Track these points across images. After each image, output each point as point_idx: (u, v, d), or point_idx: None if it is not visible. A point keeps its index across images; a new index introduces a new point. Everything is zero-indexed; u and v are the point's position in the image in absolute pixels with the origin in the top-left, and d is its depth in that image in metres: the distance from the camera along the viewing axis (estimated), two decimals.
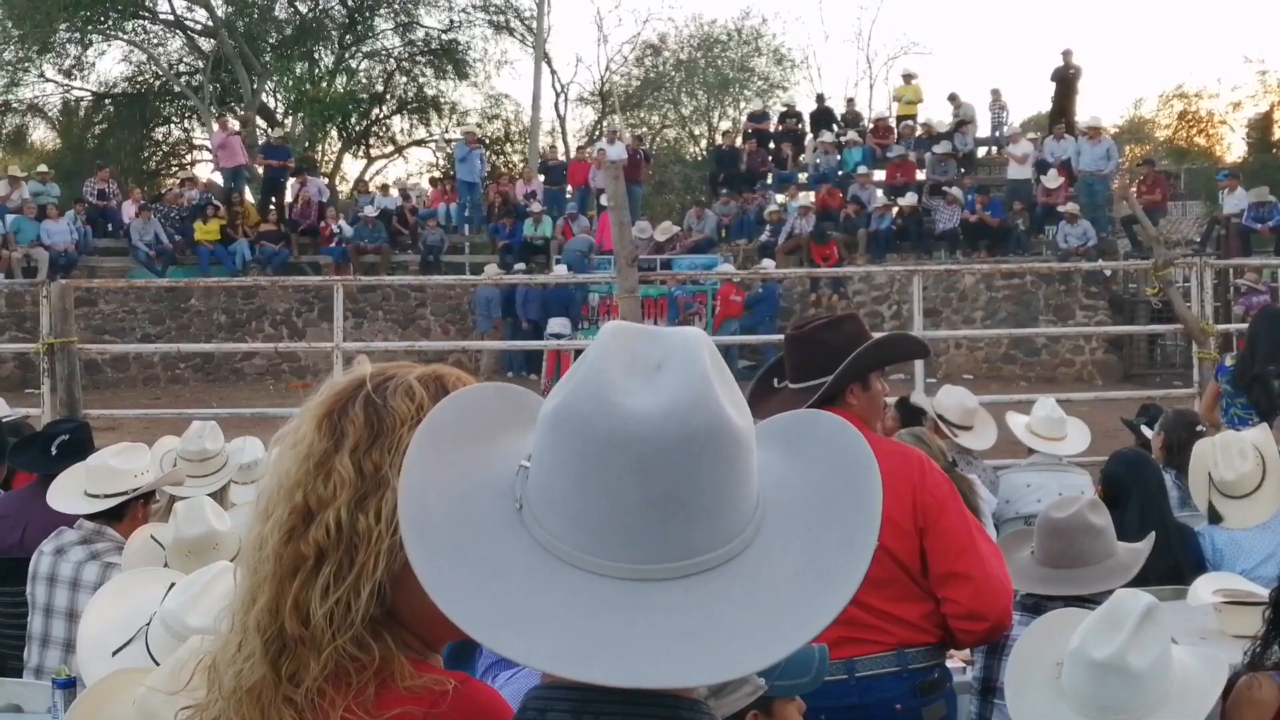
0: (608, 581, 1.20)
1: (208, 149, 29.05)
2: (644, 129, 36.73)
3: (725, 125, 35.39)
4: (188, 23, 32.42)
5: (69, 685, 3.22)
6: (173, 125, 35.27)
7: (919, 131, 23.90)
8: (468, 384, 1.50)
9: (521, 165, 29.85)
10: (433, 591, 1.21)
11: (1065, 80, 23.85)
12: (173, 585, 2.92)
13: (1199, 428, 6.31)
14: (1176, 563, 4.98)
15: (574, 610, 1.19)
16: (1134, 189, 20.18)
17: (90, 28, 30.87)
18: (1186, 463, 5.98)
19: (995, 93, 25.02)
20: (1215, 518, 5.29)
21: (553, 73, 35.95)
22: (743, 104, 35.94)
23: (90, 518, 4.60)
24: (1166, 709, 2.81)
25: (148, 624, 2.77)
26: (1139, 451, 5.78)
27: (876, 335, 3.82)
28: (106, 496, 4.65)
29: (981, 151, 24.55)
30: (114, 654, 2.76)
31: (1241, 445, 5.55)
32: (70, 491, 4.73)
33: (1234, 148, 36.77)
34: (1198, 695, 2.88)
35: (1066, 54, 24.00)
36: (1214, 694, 2.92)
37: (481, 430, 1.36)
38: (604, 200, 17.75)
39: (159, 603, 2.81)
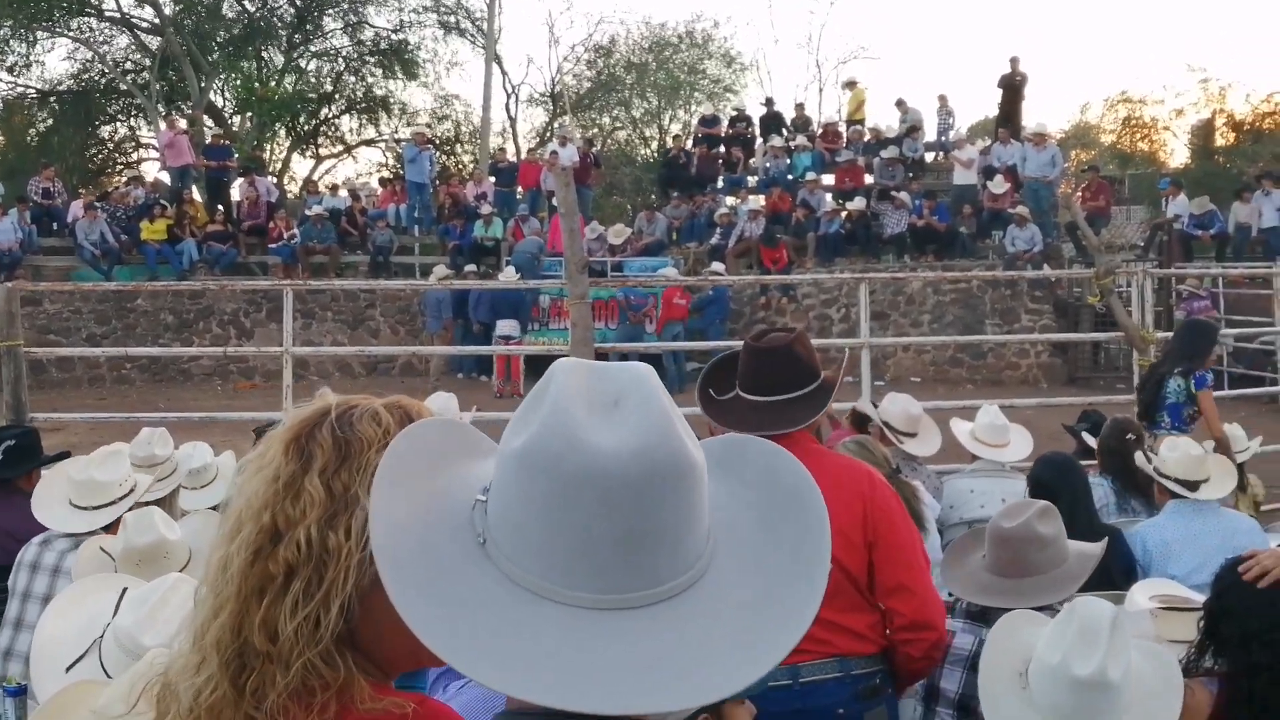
0: (578, 612, 1.24)
1: (154, 148, 28.77)
2: (595, 130, 36.77)
3: (676, 128, 35.51)
4: (135, 20, 32.12)
5: (19, 693, 3.22)
6: (119, 123, 34.96)
7: (867, 136, 24.10)
8: (430, 415, 1.52)
9: (472, 166, 29.80)
10: (415, 626, 1.24)
11: (1012, 86, 24.10)
12: (125, 591, 2.93)
13: (1129, 435, 6.45)
14: (1105, 565, 5.07)
15: (548, 641, 1.23)
16: (1078, 196, 20.46)
17: (35, 24, 30.53)
18: (1121, 469, 6.12)
19: (942, 98, 25.24)
20: (1193, 488, 5.42)
21: (504, 74, 36.01)
22: (694, 106, 36.08)
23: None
24: (1134, 712, 2.90)
25: (101, 636, 2.78)
26: (1065, 455, 5.87)
27: (831, 350, 3.87)
28: (95, 509, 4.65)
29: (929, 157, 24.77)
30: (68, 669, 2.77)
31: (1184, 439, 5.75)
32: (54, 503, 4.72)
33: (1177, 154, 37.29)
34: (1163, 695, 2.96)
35: (1013, 60, 24.29)
36: (1176, 693, 2.99)
37: (430, 465, 1.39)
38: (555, 203, 17.76)
39: (111, 612, 2.83)
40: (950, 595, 4.08)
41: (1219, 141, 33.86)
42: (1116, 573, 5.01)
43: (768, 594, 1.32)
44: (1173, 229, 20.16)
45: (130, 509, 4.48)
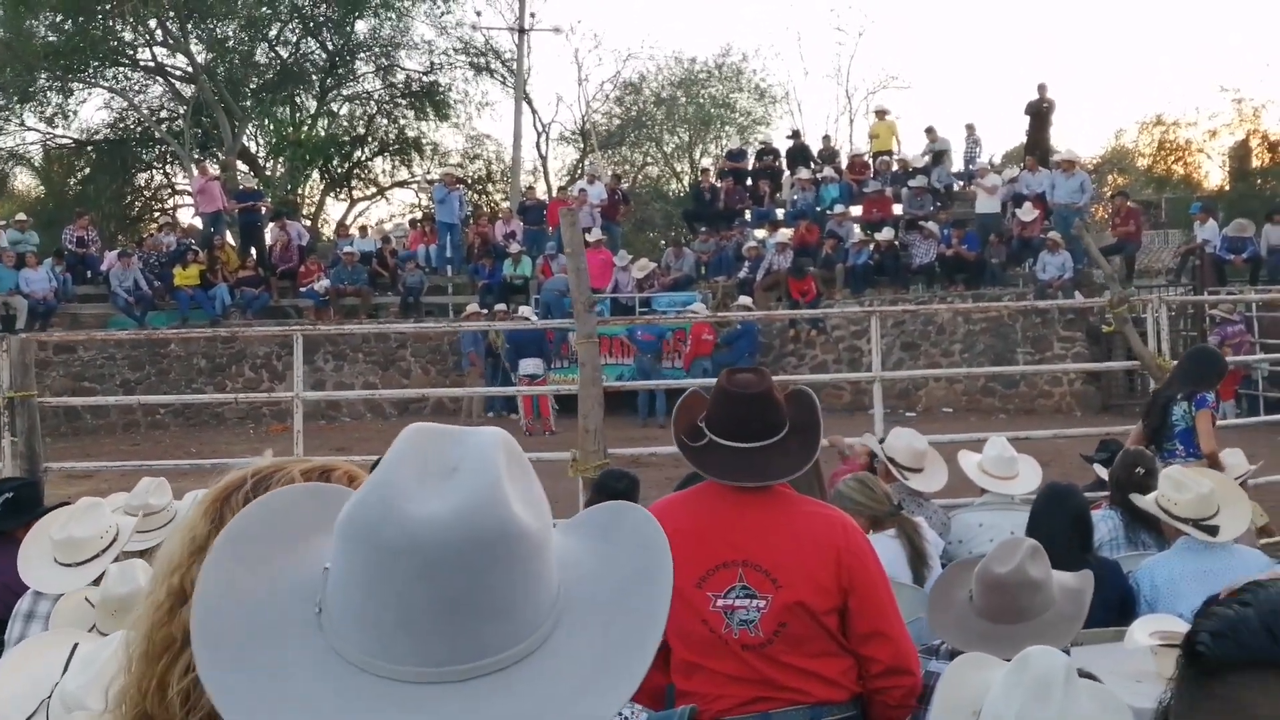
0: (395, 685, 1.20)
1: (189, 194, 29.13)
2: (626, 166, 36.91)
3: (707, 162, 35.58)
4: (168, 69, 32.56)
5: None
6: (154, 171, 35.40)
7: (895, 167, 24.06)
8: (357, 478, 1.51)
9: (503, 204, 29.99)
10: (216, 697, 1.21)
11: (1039, 113, 24.03)
12: (75, 646, 2.92)
13: (1138, 469, 6.34)
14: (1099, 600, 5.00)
15: (357, 714, 1.19)
16: (1108, 222, 20.30)
17: (71, 76, 31.01)
18: (1129, 505, 6.01)
19: (970, 127, 25.20)
20: (1213, 531, 5.30)
21: (533, 112, 36.21)
22: (724, 140, 36.14)
23: None
24: None
25: (48, 697, 2.77)
26: (1063, 486, 5.76)
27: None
28: (78, 565, 4.67)
29: (956, 185, 24.71)
30: None
31: (1190, 474, 5.62)
32: (39, 562, 4.75)
33: (1211, 175, 36.99)
34: None
35: (1041, 87, 24.22)
36: None
37: (295, 532, 1.36)
38: (568, 244, 17.79)
39: (60, 671, 2.82)
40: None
41: (1255, 162, 33.54)
42: (1110, 607, 4.93)
43: (601, 665, 1.27)
44: (1204, 254, 19.97)
45: (117, 558, 4.50)
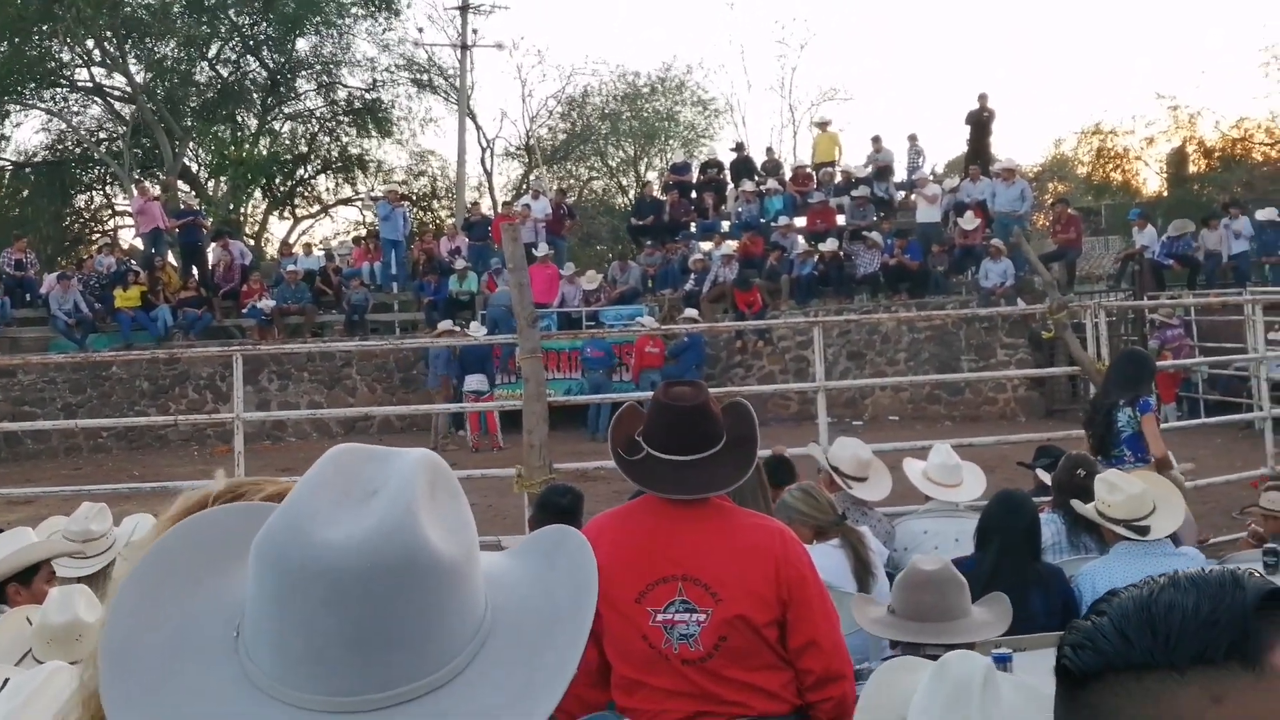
0: (302, 714, 1.17)
1: (129, 214, 28.85)
2: (571, 181, 36.92)
3: (652, 175, 35.66)
4: (107, 89, 32.27)
5: None
6: (94, 192, 35.04)
7: (838, 178, 24.21)
8: None
9: (449, 221, 29.91)
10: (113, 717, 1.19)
11: (980, 122, 24.24)
12: (6, 681, 2.88)
13: (1078, 471, 6.40)
14: (1044, 606, 5.04)
15: None
16: (1049, 229, 20.51)
17: (7, 97, 30.65)
18: (1072, 510, 6.08)
19: (912, 138, 25.40)
20: (1144, 531, 5.36)
21: (478, 128, 36.17)
22: (668, 153, 36.24)
23: None
24: None
25: None
26: (1016, 494, 5.81)
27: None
28: None
29: (899, 195, 24.89)
30: None
31: (1124, 477, 5.69)
32: None
33: (1149, 182, 37.45)
34: None
35: (982, 97, 24.44)
36: None
37: (228, 552, 1.32)
38: (511, 259, 17.74)
39: None
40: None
41: (1191, 169, 34.01)
42: (1054, 612, 4.97)
43: (515, 699, 1.24)
44: (1143, 259, 20.24)
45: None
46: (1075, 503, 5.85)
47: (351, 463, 1.28)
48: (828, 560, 5.06)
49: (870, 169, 24.09)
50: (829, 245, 21.20)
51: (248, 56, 33.57)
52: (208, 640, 1.25)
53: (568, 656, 1.29)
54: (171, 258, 23.37)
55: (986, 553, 4.67)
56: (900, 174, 24.89)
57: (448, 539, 1.24)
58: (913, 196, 23.30)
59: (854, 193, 23.01)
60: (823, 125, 27.19)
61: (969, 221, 20.87)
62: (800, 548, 3.59)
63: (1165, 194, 34.67)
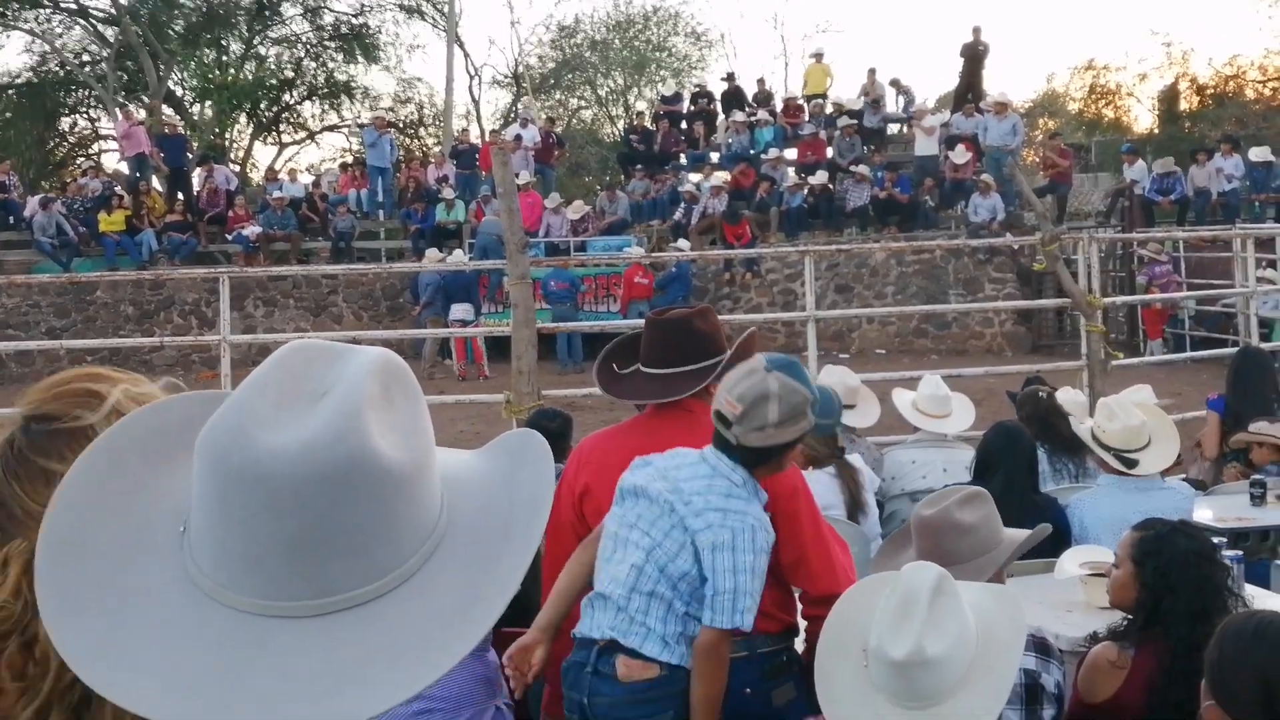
0: (240, 615, 1.14)
1: (114, 138, 28.57)
2: (560, 110, 36.64)
3: (642, 105, 35.40)
4: (90, 10, 31.85)
5: None
6: (78, 115, 34.68)
7: (829, 110, 24.04)
8: None
9: (436, 149, 29.67)
10: (46, 615, 1.14)
11: (974, 56, 24.08)
12: None
13: (1040, 394, 6.47)
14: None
15: (202, 646, 1.13)
16: (1040, 164, 20.45)
17: None
18: (1045, 432, 6.10)
19: (894, 82, 25.19)
20: (1131, 464, 5.36)
21: (465, 56, 35.86)
22: (659, 84, 35.95)
23: None
24: (977, 674, 2.83)
25: None
26: (1016, 425, 5.84)
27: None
28: None
29: (893, 129, 24.75)
30: None
31: (1124, 404, 5.68)
32: None
33: (1141, 119, 37.30)
34: (1003, 647, 2.89)
35: (976, 30, 24.26)
36: (1019, 638, 2.94)
37: (179, 444, 1.26)
38: (501, 184, 17.63)
39: None
40: None
41: (1183, 106, 33.88)
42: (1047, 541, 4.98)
43: (466, 603, 1.21)
44: (1133, 195, 20.19)
45: None
46: (1075, 422, 5.87)
47: (301, 362, 1.22)
48: (819, 486, 5.06)
49: (864, 100, 23.92)
50: (819, 178, 21.09)
51: None
52: (154, 537, 1.21)
53: (515, 567, 1.25)
54: (156, 182, 23.15)
55: (991, 484, 4.66)
56: (893, 108, 24.75)
57: (398, 444, 1.19)
58: (910, 128, 23.14)
59: (840, 123, 22.87)
60: (817, 56, 26.95)
61: (960, 155, 20.78)
62: (792, 465, 3.57)
63: (1156, 131, 34.55)
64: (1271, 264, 15.43)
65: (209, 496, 1.16)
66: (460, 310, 18.18)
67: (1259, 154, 19.84)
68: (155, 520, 1.22)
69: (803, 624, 3.54)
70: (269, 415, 1.16)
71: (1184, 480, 6.27)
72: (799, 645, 3.55)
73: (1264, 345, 11.07)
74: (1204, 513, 5.79)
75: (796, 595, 3.55)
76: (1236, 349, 9.28)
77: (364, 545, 1.17)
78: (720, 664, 3.18)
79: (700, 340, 3.66)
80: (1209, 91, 33.11)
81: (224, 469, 1.14)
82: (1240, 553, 4.53)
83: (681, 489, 3.24)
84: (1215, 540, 3.97)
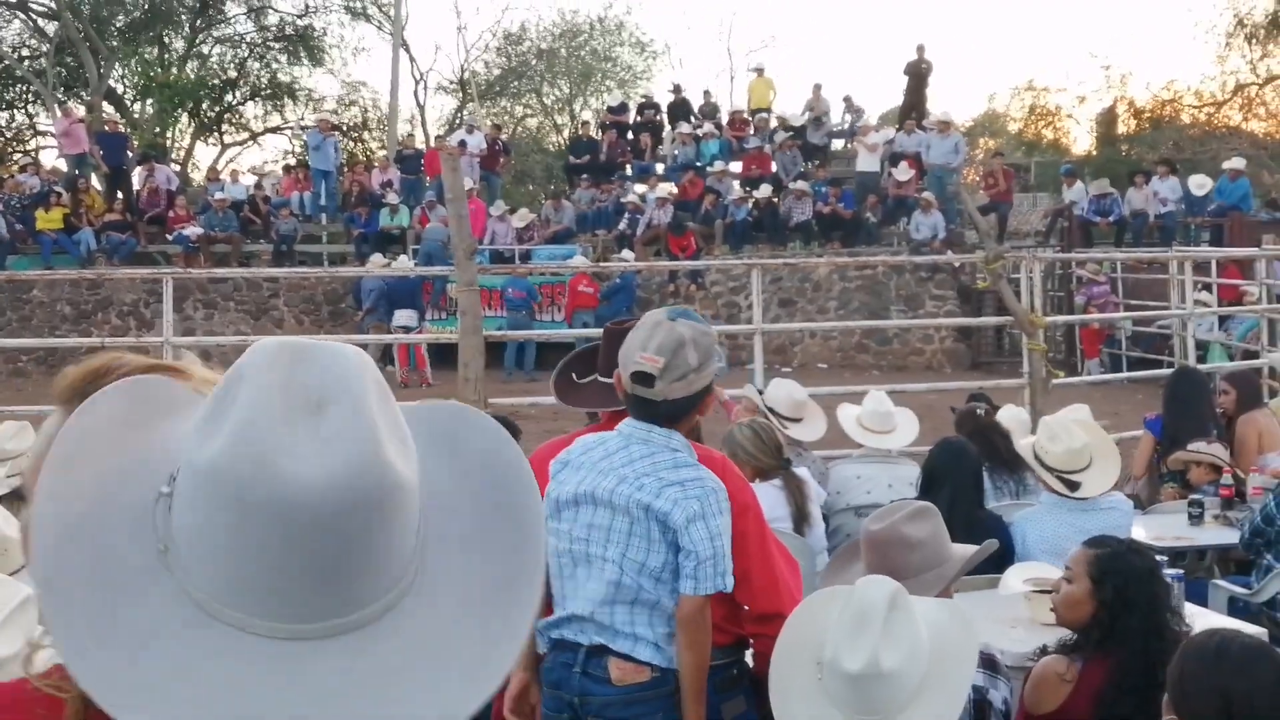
0: (263, 641, 1.11)
1: (53, 135, 28.15)
2: (506, 118, 36.56)
3: (588, 115, 35.39)
4: (30, 4, 31.35)
5: None
6: (15, 110, 34.12)
7: (774, 124, 24.17)
8: (194, 377, 1.37)
9: (380, 153, 29.51)
10: (82, 679, 1.08)
11: (918, 74, 24.32)
12: None
13: (979, 412, 6.54)
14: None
15: (223, 672, 1.10)
16: (980, 184, 20.67)
17: None
18: (985, 451, 6.16)
19: (847, 99, 25.44)
20: (1073, 486, 5.42)
21: (411, 61, 35.65)
22: (605, 94, 35.97)
23: None
24: (931, 688, 2.85)
25: None
26: (962, 441, 5.90)
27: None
28: None
29: (837, 144, 24.94)
30: None
31: (1066, 426, 5.74)
32: None
33: (1080, 141, 37.83)
34: (956, 662, 2.92)
35: (920, 48, 24.51)
36: (971, 653, 2.98)
37: (118, 439, 1.20)
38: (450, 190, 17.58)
39: None
40: None
41: (1121, 129, 34.39)
42: (992, 559, 5.03)
43: (477, 614, 1.20)
44: (1072, 215, 20.47)
45: None
46: (1018, 444, 5.94)
47: (288, 366, 1.17)
48: (766, 499, 5.07)
49: (807, 116, 24.07)
50: (763, 191, 21.20)
51: None
52: (126, 552, 1.15)
53: (528, 549, 1.26)
54: (95, 181, 22.84)
55: (936, 500, 4.70)
56: (840, 123, 24.96)
57: (403, 455, 1.18)
58: (854, 144, 23.31)
59: (777, 138, 23.01)
60: (758, 71, 27.10)
61: (903, 172, 20.97)
62: (741, 479, 3.58)
63: (1095, 153, 35.05)
64: (1207, 287, 15.66)
65: (223, 526, 1.12)
66: (404, 316, 18.10)
67: (1198, 184, 20.15)
68: (119, 532, 1.16)
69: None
70: (283, 440, 1.12)
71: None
72: (748, 658, 3.56)
73: (1200, 366, 11.25)
74: (1141, 531, 5.87)
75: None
76: (1173, 370, 9.40)
77: (384, 562, 1.16)
78: (707, 629, 3.24)
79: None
80: (1146, 115, 33.62)
81: (246, 500, 1.10)
82: (1181, 571, 4.61)
83: (626, 476, 3.25)
84: (1156, 559, 4.04)
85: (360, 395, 1.17)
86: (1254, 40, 30.91)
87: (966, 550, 3.91)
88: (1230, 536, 6.24)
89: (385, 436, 1.16)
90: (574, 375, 3.86)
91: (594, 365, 3.85)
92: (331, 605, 1.13)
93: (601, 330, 4.04)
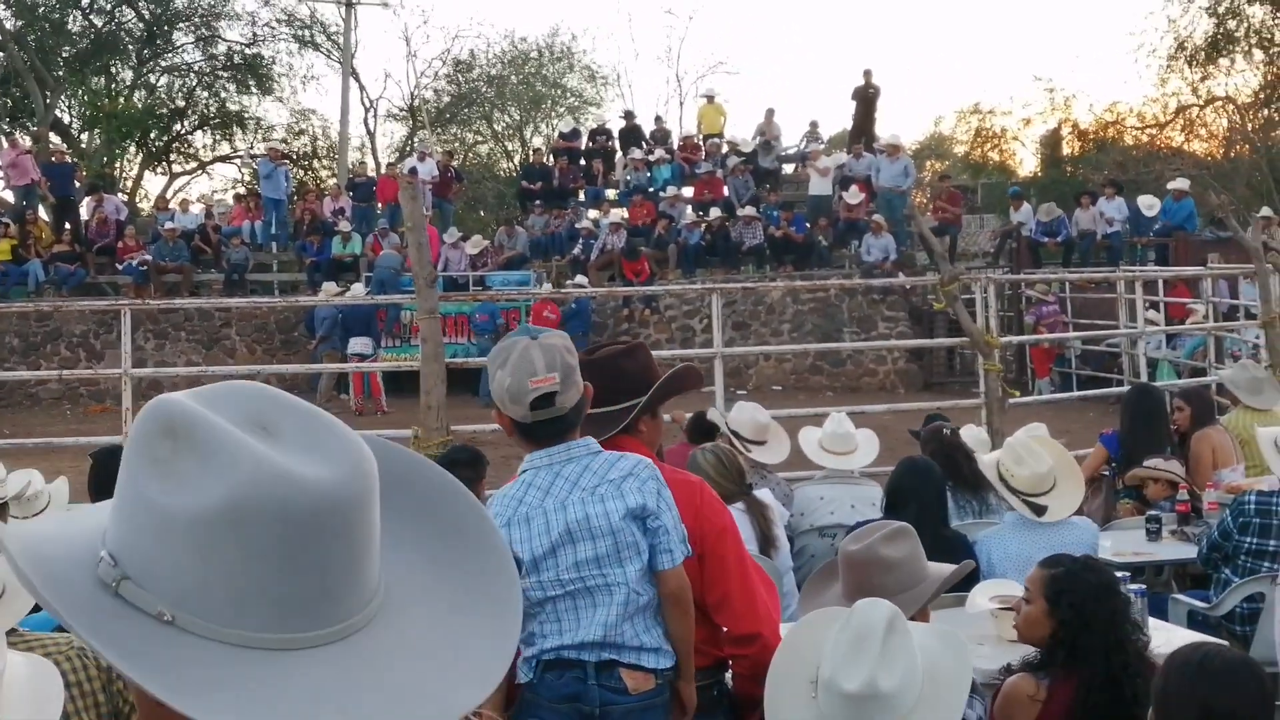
0: (257, 653, 1.12)
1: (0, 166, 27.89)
2: (456, 145, 36.55)
3: (539, 141, 35.47)
4: None
5: None
6: None
7: (725, 149, 24.33)
8: None
9: (331, 181, 29.42)
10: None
11: (866, 99, 24.57)
12: None
13: (945, 432, 6.61)
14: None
15: (300, 688, 1.11)
16: (931, 207, 20.87)
17: None
18: (948, 469, 6.22)
19: (813, 124, 25.76)
20: (1039, 510, 5.47)
21: (361, 89, 35.62)
22: (555, 120, 36.05)
23: None
24: (924, 712, 2.89)
25: None
26: (925, 461, 5.95)
27: (679, 362, 3.83)
28: None
29: (789, 169, 25.13)
30: None
31: (1031, 448, 5.80)
32: None
33: (1026, 163, 38.23)
34: (948, 687, 2.95)
35: (867, 73, 24.78)
36: (965, 679, 3.01)
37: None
38: (409, 218, 17.56)
39: None
40: None
41: (1066, 150, 34.80)
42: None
43: (462, 615, 1.25)
44: (1021, 236, 20.71)
45: None
46: (980, 457, 6.00)
47: (205, 409, 1.16)
48: None
49: (757, 140, 24.24)
50: (715, 215, 21.32)
51: (123, 6, 32.55)
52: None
53: (492, 554, 1.31)
54: (43, 212, 22.62)
55: (902, 519, 4.75)
56: (790, 142, 25.17)
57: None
58: (805, 168, 23.50)
59: (728, 162, 23.20)
60: (708, 98, 27.30)
61: (853, 196, 21.17)
62: (719, 503, 3.62)
63: (1040, 174, 35.43)
64: (1155, 305, 15.91)
65: (269, 550, 1.12)
66: (359, 344, 18.05)
67: (1148, 205, 20.44)
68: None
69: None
70: (278, 455, 1.14)
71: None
72: (728, 679, 3.60)
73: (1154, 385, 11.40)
74: (1101, 546, 5.95)
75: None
76: (1131, 388, 9.52)
77: (370, 564, 1.20)
78: (690, 596, 3.30)
79: (627, 379, 3.68)
80: (1090, 137, 34.03)
81: (291, 516, 1.12)
82: (1144, 586, 4.68)
83: (582, 498, 3.26)
84: (1117, 574, 4.11)
85: (292, 407, 1.20)
86: (1194, 63, 31.37)
87: (943, 570, 3.95)
88: (1187, 551, 6.34)
89: (345, 431, 1.20)
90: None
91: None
92: (329, 611, 1.15)
93: None
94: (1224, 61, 31.34)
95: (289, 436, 1.17)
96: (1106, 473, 7.70)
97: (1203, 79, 31.77)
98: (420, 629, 1.21)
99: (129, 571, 1.13)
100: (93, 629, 1.09)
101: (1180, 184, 20.56)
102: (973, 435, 7.34)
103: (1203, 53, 31.11)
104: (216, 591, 1.12)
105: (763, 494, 5.96)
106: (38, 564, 1.13)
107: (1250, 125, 30.87)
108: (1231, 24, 30.59)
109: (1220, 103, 31.92)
